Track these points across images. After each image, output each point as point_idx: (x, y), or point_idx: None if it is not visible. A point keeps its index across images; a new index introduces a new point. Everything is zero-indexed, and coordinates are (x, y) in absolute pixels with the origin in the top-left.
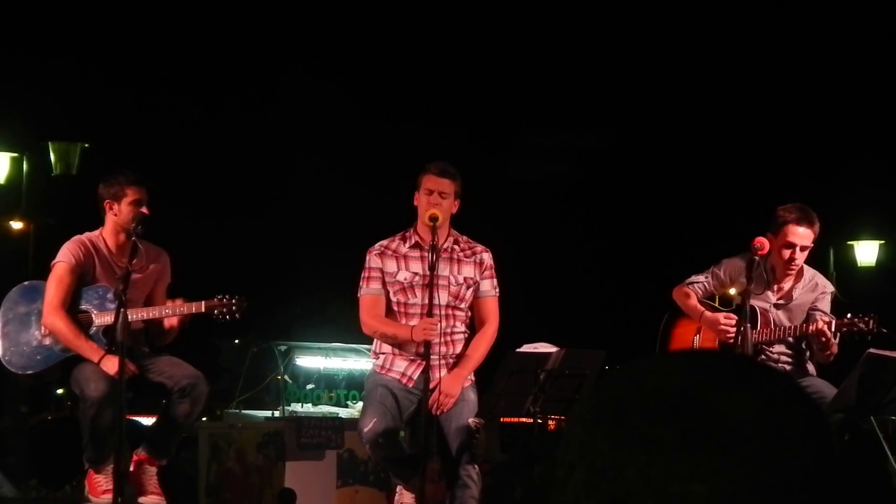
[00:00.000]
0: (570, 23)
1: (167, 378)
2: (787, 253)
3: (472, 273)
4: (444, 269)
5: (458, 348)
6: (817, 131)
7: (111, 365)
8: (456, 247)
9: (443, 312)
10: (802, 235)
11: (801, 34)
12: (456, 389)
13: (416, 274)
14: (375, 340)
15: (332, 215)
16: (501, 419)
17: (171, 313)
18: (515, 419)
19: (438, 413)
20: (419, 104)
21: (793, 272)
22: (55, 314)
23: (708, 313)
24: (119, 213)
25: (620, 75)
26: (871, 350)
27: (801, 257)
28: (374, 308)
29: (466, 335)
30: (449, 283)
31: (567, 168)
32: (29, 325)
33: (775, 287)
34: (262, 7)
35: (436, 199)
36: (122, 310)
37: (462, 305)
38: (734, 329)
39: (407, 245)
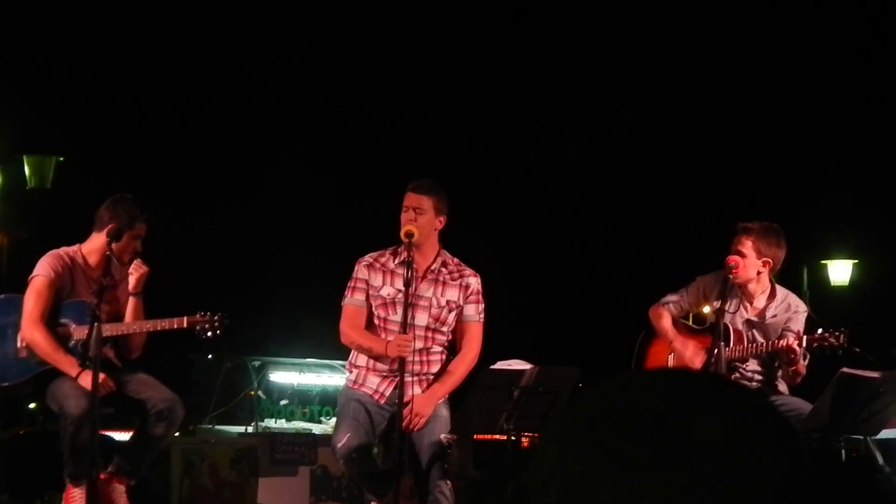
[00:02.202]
0: (520, 30)
1: (145, 399)
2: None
3: (456, 297)
4: (427, 289)
5: (434, 368)
6: (792, 150)
7: (90, 380)
8: (444, 269)
9: (420, 333)
10: (737, 242)
11: (776, 49)
12: (428, 409)
13: (399, 291)
14: (352, 353)
15: (307, 231)
16: (475, 436)
17: (153, 328)
18: (489, 436)
19: (410, 431)
20: (394, 118)
21: (736, 277)
22: (34, 327)
23: (676, 344)
24: (121, 241)
25: (602, 91)
26: (844, 369)
27: (740, 264)
28: (355, 319)
29: (444, 356)
30: (430, 304)
31: (541, 185)
32: (5, 337)
33: (748, 305)
34: (237, 13)
35: (411, 215)
36: (95, 324)
37: (443, 328)
38: (704, 356)
39: (396, 261)
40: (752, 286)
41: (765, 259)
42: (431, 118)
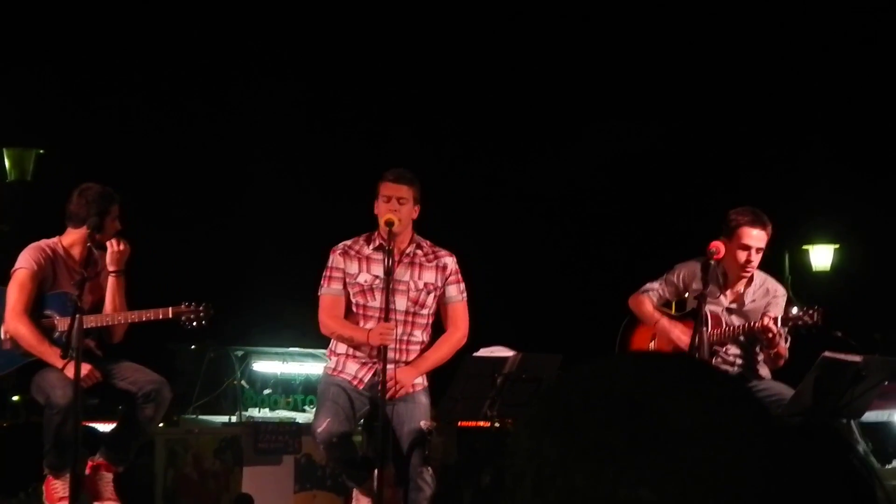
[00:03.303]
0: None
1: (131, 384)
2: (742, 255)
3: (434, 279)
4: (404, 273)
5: (413, 354)
6: (771, 134)
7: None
8: (419, 251)
9: (401, 318)
10: (757, 237)
11: (756, 33)
12: (408, 380)
13: (376, 277)
14: (332, 340)
15: (288, 219)
16: (459, 423)
17: (137, 319)
18: (473, 423)
19: (390, 399)
20: (377, 106)
21: (748, 274)
22: (18, 320)
23: (663, 322)
24: (105, 227)
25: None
26: (826, 353)
27: (756, 259)
28: (334, 308)
29: (424, 344)
30: (409, 288)
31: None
32: None
33: (728, 292)
34: (221, 10)
35: (394, 205)
36: (77, 315)
37: (423, 311)
38: (688, 338)
39: (371, 247)
40: (735, 272)
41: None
42: (406, 114)
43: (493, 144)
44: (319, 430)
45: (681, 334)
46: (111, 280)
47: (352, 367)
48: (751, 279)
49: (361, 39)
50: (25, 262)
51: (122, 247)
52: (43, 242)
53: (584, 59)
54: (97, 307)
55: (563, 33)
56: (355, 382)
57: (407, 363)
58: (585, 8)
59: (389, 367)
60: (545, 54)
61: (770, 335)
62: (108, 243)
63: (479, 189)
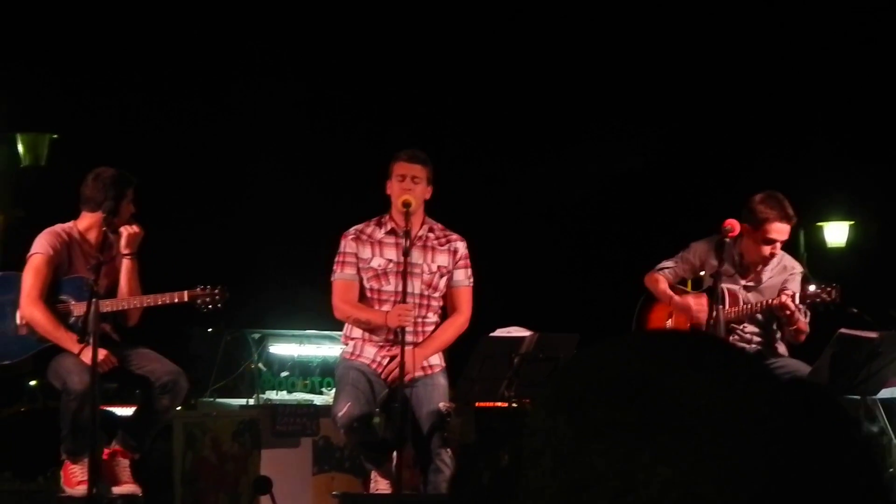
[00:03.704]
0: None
1: (148, 372)
2: (767, 249)
3: (446, 262)
4: (417, 257)
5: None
6: (784, 111)
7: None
8: (431, 234)
9: (416, 301)
10: (783, 231)
11: (767, 11)
12: (416, 363)
13: (390, 261)
14: (346, 325)
15: (303, 202)
16: (476, 404)
17: (153, 303)
18: (490, 404)
19: (388, 379)
20: (391, 94)
21: (768, 264)
22: (34, 305)
23: (678, 298)
24: (120, 211)
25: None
26: (843, 330)
27: (779, 251)
28: (348, 293)
29: (438, 325)
30: (422, 271)
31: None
32: (4, 315)
33: (744, 269)
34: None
35: (408, 184)
36: (93, 300)
37: (435, 294)
38: (706, 310)
39: (383, 231)
40: (755, 258)
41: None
42: (420, 101)
43: (507, 133)
44: (340, 414)
45: (698, 309)
46: (125, 263)
47: (370, 351)
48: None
49: (375, 30)
50: (41, 246)
51: (136, 230)
52: (58, 227)
53: (604, 45)
54: (113, 292)
55: (576, 25)
56: (374, 366)
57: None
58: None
59: (407, 349)
60: (558, 43)
61: (788, 312)
62: (122, 227)
63: (494, 169)
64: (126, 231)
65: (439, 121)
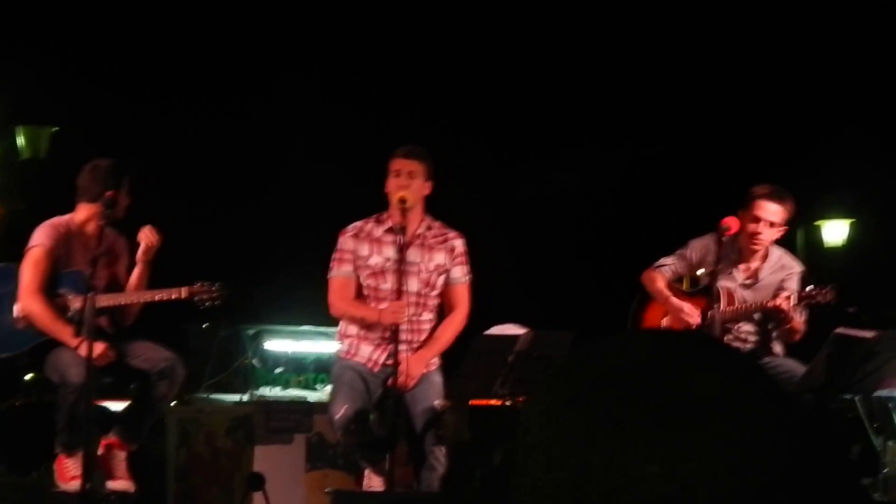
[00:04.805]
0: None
1: (144, 361)
2: (752, 227)
3: (444, 260)
4: (415, 255)
5: (424, 336)
6: (784, 110)
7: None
8: (428, 233)
9: (412, 300)
10: (771, 211)
11: (765, 8)
12: (418, 371)
13: (388, 259)
14: (341, 323)
15: (301, 198)
16: (471, 402)
17: (151, 299)
18: (485, 402)
19: (402, 391)
20: (392, 87)
21: (756, 248)
22: (32, 298)
23: (673, 300)
24: (117, 202)
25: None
26: (839, 329)
27: (766, 234)
28: (344, 290)
29: (433, 323)
30: (420, 270)
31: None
32: (2, 308)
33: (742, 267)
34: None
35: (404, 180)
36: (90, 294)
37: (433, 293)
38: (699, 317)
39: (382, 228)
40: (746, 246)
41: (786, 227)
42: (424, 96)
43: (505, 129)
44: (337, 416)
45: (690, 313)
46: (138, 268)
47: (365, 350)
48: (766, 255)
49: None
50: (39, 239)
51: (154, 238)
52: (57, 220)
53: (607, 41)
54: (111, 286)
55: (582, 20)
56: (370, 365)
57: (418, 344)
58: None
59: (402, 347)
60: (562, 36)
61: (783, 314)
62: (142, 233)
63: (491, 167)
64: (145, 239)
65: (437, 117)
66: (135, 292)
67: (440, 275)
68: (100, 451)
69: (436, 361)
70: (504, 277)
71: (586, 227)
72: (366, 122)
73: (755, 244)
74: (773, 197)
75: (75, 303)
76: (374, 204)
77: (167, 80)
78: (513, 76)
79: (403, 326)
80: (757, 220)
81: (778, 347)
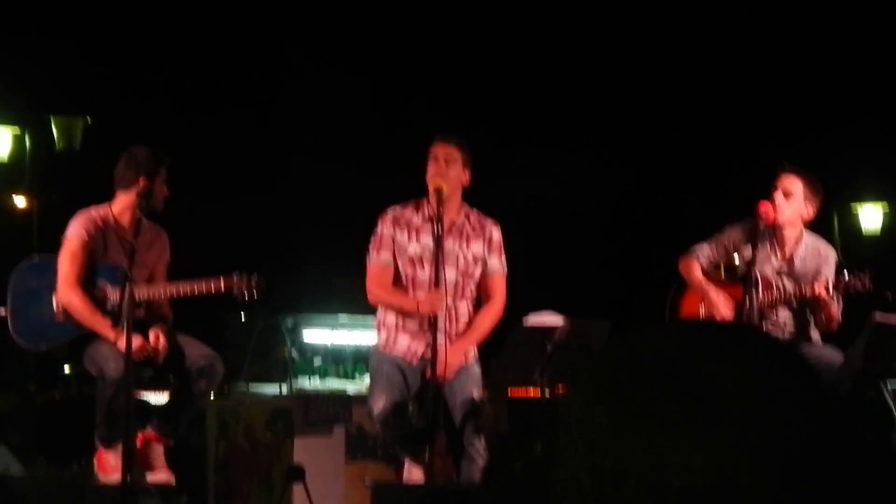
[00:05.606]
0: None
1: (184, 357)
2: (772, 196)
3: (481, 249)
4: (453, 244)
5: (463, 324)
6: (819, 93)
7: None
8: (467, 221)
9: (450, 289)
10: (787, 180)
11: None
12: (456, 361)
13: (425, 247)
14: (379, 312)
15: (336, 186)
16: (509, 393)
17: (189, 290)
18: (523, 394)
19: (441, 381)
20: (426, 83)
21: (774, 220)
22: (71, 290)
23: (711, 293)
24: (154, 191)
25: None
26: (877, 315)
27: (783, 205)
28: (382, 277)
29: (470, 313)
30: (458, 260)
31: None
32: (41, 300)
33: (778, 253)
34: None
35: (441, 165)
36: (127, 285)
37: (470, 283)
38: (733, 309)
39: (420, 216)
40: (787, 232)
41: (809, 202)
42: (456, 90)
43: (542, 119)
44: (377, 410)
45: (725, 307)
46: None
47: (403, 341)
48: (801, 240)
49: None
50: (76, 230)
51: (161, 343)
52: (93, 210)
53: (633, 31)
54: (146, 279)
55: (604, 14)
56: (408, 357)
57: (456, 334)
58: None
59: (439, 337)
60: (596, 28)
61: (822, 301)
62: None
63: (527, 154)
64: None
65: (476, 105)
66: (172, 285)
67: (477, 264)
68: (138, 445)
69: (474, 352)
70: (542, 265)
71: (624, 215)
72: (405, 109)
73: (775, 218)
74: (788, 168)
75: (113, 295)
76: (413, 188)
77: (201, 72)
78: (540, 63)
79: (441, 316)
80: (774, 189)
81: (815, 335)
